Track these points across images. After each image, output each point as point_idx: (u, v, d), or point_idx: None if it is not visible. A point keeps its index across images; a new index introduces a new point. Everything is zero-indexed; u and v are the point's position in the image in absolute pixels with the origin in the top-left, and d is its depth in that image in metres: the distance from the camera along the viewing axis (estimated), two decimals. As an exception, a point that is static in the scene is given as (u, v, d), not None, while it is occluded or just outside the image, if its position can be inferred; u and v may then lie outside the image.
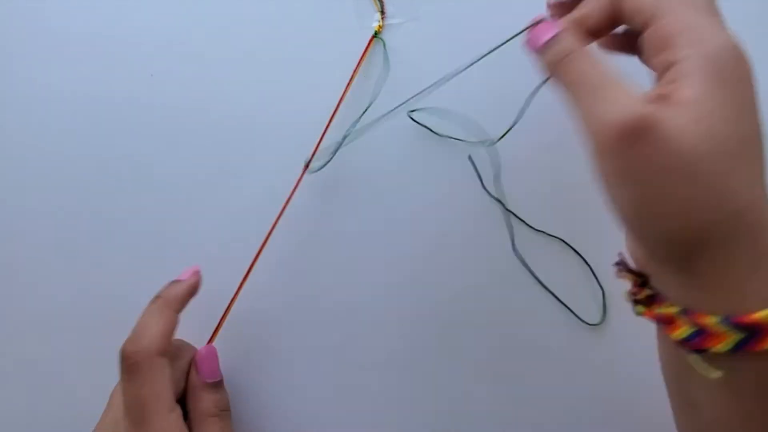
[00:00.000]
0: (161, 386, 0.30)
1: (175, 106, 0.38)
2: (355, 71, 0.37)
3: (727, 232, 0.23)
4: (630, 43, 0.29)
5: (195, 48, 0.39)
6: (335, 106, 0.37)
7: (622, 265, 0.28)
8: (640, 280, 0.27)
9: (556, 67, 0.26)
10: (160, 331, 0.31)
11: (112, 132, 0.38)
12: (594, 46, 0.28)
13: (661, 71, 0.24)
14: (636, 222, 0.24)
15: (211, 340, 0.35)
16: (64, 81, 0.39)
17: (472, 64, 0.32)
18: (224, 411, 0.33)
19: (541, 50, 0.27)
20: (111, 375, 0.32)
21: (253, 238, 0.36)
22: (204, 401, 0.32)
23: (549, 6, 0.31)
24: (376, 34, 0.38)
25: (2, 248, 0.39)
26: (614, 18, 0.27)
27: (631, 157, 0.23)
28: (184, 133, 0.38)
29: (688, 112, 0.22)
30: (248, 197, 0.38)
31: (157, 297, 0.33)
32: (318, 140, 0.37)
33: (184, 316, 0.34)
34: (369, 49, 0.37)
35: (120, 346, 0.30)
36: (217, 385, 0.34)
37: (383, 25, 0.38)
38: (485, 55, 0.32)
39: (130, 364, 0.30)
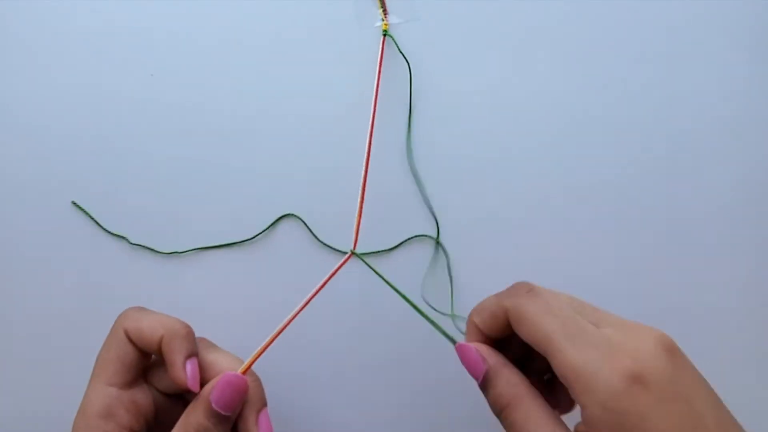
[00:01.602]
0: (114, 355, 0.29)
1: (175, 105, 0.38)
2: (379, 73, 0.37)
3: None
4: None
5: (195, 48, 0.38)
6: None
7: None
8: None
9: (499, 415, 0.27)
10: (157, 324, 0.29)
11: (112, 131, 0.38)
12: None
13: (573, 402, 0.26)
14: None
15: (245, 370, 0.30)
16: (64, 81, 0.38)
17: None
18: None
19: (481, 385, 0.27)
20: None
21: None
22: (192, 418, 0.28)
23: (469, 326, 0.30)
24: (385, 33, 0.38)
25: (2, 248, 0.38)
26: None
27: None
28: (184, 133, 0.38)
29: None
30: (250, 195, 0.38)
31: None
32: (368, 139, 0.36)
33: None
34: (384, 48, 0.38)
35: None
36: (221, 419, 0.28)
37: (388, 23, 0.38)
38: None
39: (116, 322, 0.30)
